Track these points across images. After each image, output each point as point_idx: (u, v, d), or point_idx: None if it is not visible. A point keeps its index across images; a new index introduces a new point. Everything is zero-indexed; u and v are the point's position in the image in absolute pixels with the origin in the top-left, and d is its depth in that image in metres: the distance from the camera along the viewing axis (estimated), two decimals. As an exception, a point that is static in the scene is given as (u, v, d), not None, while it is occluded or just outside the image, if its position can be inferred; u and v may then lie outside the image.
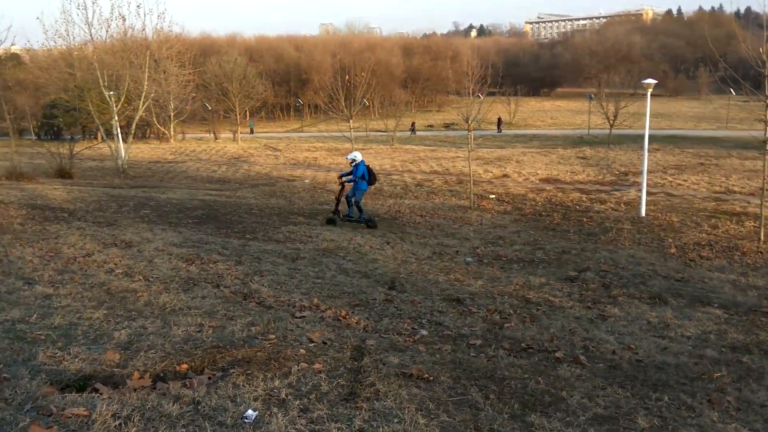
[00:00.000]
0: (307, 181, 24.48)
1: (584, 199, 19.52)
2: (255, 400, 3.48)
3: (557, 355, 5.52)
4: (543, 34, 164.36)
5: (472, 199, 18.84)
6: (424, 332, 6.12)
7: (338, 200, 14.46)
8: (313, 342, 5.00)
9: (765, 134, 12.94)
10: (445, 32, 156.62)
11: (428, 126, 61.22)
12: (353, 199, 14.27)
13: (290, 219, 14.55)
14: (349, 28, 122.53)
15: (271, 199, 18.82)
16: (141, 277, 7.23)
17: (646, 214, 16.39)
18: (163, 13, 66.26)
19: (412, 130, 52.67)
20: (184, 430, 2.93)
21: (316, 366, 4.23)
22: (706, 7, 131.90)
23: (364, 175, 14.21)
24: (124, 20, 30.72)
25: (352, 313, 6.61)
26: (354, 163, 14.21)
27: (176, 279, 7.32)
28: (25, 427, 2.61)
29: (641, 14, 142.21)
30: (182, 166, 31.32)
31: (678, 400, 4.49)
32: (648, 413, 4.13)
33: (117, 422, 2.88)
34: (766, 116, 12.77)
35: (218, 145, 43.90)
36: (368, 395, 3.80)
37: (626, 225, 15.24)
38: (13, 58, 65.38)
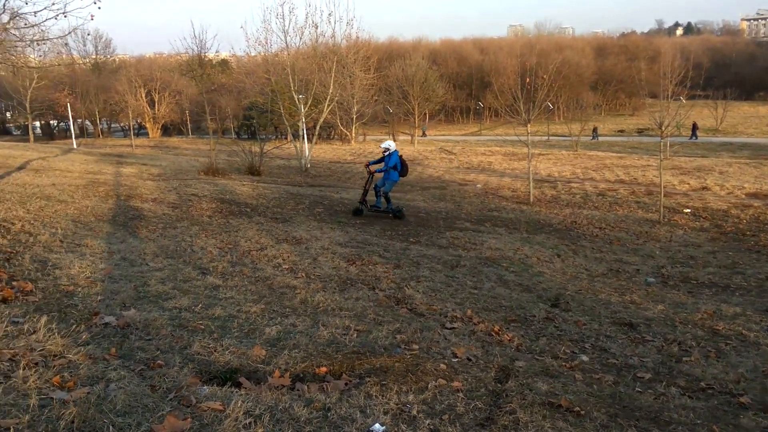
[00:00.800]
0: (479, 185, 24.27)
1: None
2: (385, 413, 3.42)
3: (742, 400, 4.84)
4: (762, 32, 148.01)
5: (662, 213, 17.42)
6: (585, 358, 5.70)
7: (366, 190, 14.35)
8: (457, 357, 4.86)
9: None
10: (646, 31, 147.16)
11: (619, 131, 57.98)
12: (382, 189, 14.08)
13: (456, 224, 14.49)
14: (537, 29, 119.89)
15: (440, 203, 18.91)
16: (303, 275, 7.57)
17: None
18: (352, 20, 69.22)
19: (594, 135, 50.11)
20: (310, 436, 2.95)
21: (455, 384, 4.08)
22: None
23: (396, 166, 14.13)
24: (317, 28, 32.77)
25: (507, 329, 6.36)
26: (387, 153, 14.01)
27: (335, 278, 7.56)
28: (163, 416, 2.78)
29: None
30: (360, 167, 32.60)
31: None
32: None
33: (248, 420, 2.98)
34: None
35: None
36: (506, 423, 3.58)
37: None
38: (223, 64, 72.81)
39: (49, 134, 69.00)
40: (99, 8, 9.70)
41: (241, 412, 3.00)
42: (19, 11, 9.71)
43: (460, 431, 3.36)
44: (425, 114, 63.73)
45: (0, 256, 5.73)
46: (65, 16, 9.53)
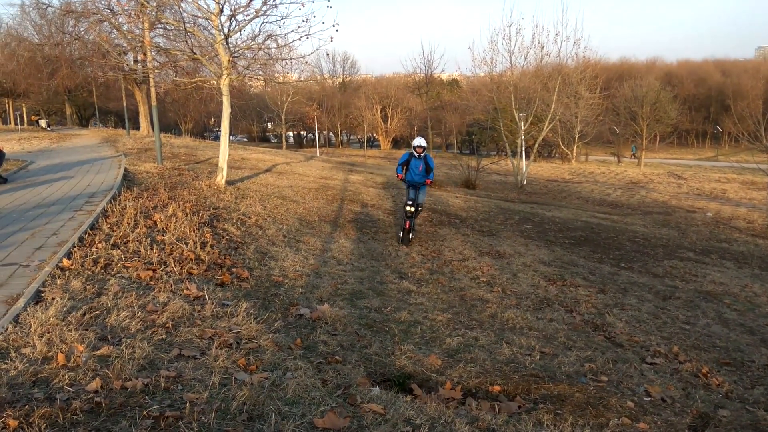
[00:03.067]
0: (709, 214, 21.72)
1: None
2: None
3: None
4: None
5: None
6: (813, 419, 4.72)
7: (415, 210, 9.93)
8: (650, 396, 4.30)
9: None
10: None
11: None
12: (417, 204, 10.02)
13: (677, 253, 13.06)
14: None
15: (662, 229, 17.23)
16: (499, 289, 7.35)
17: None
18: (580, 40, 66.55)
19: None
20: (462, 456, 2.78)
21: (641, 425, 3.60)
22: None
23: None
24: (542, 48, 32.01)
25: (717, 372, 5.52)
26: (425, 153, 10.15)
27: (531, 296, 7.22)
28: (325, 411, 2.80)
29: None
30: (577, 186, 31.12)
31: None
32: None
33: (406, 429, 2.89)
34: None
35: (619, 169, 42.37)
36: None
37: None
38: (452, 83, 74.73)
39: (299, 143, 76.57)
40: (337, 31, 10.44)
41: (401, 420, 2.92)
42: (272, 33, 10.81)
43: (637, 480, 2.94)
44: (655, 136, 59.01)
45: (231, 245, 6.35)
46: (308, 38, 10.41)
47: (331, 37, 11.14)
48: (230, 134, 13.98)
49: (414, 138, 10.96)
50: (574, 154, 49.34)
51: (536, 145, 34.07)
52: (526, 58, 31.64)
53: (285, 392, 2.88)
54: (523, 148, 31.37)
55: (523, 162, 30.63)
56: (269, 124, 76.78)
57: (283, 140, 64.78)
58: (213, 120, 63.90)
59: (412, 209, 9.75)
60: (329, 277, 5.91)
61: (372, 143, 71.73)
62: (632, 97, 50.84)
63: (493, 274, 8.16)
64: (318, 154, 44.25)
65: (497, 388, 3.79)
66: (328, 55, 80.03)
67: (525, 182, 28.64)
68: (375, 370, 3.68)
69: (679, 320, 7.24)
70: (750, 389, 5.23)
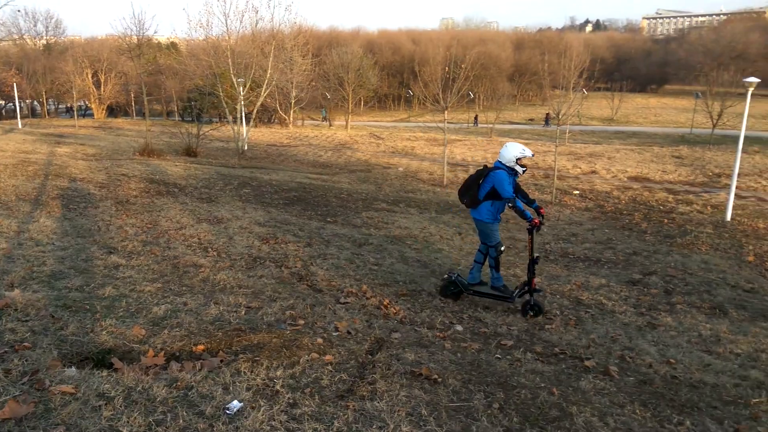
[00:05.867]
0: (401, 169, 24.33)
1: (670, 199, 18.01)
2: (248, 389, 3.36)
3: (587, 363, 5.04)
4: (659, 30, 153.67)
5: (554, 194, 17.94)
6: (459, 328, 5.81)
7: (531, 260, 6.68)
8: (338, 331, 4.85)
9: None
10: (560, 27, 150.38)
11: (529, 120, 59.18)
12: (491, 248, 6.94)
13: (373, 205, 14.47)
14: (466, 23, 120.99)
15: (363, 185, 18.84)
16: (215, 253, 7.39)
17: (731, 219, 14.85)
18: (290, 6, 68.07)
19: (475, 122, 50.50)
20: (160, 416, 2.86)
21: (327, 357, 4.07)
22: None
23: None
24: (257, 12, 31.74)
25: (396, 302, 6.40)
26: (515, 164, 6.61)
27: (245, 257, 7.41)
28: (5, 401, 2.63)
29: (764, 12, 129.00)
30: (294, 150, 32.13)
31: (701, 426, 3.94)
32: (660, 440, 3.64)
33: (98, 403, 2.85)
34: None
35: (330, 132, 44.70)
36: (364, 393, 3.59)
37: (708, 229, 13.87)
38: (171, 47, 69.75)
39: (-6, 114, 64.87)
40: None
41: (94, 395, 2.87)
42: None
43: (318, 403, 3.35)
44: (360, 100, 63.33)
45: None
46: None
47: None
48: None
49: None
50: (291, 119, 50.54)
51: (255, 111, 34.07)
52: (241, 21, 31.27)
53: (-41, 391, 2.62)
54: (243, 114, 31.17)
55: (244, 128, 30.49)
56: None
57: (-27, 110, 54.26)
58: None
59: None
60: (23, 260, 5.33)
61: (84, 112, 64.11)
62: (339, 64, 53.53)
63: (209, 240, 8.15)
64: (20, 126, 38.21)
65: (201, 347, 3.91)
66: (20, 11, 68.38)
67: (246, 148, 28.59)
68: (71, 351, 3.50)
69: (369, 263, 8.13)
70: (419, 313, 6.18)
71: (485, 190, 6.68)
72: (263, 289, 5.93)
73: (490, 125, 42.35)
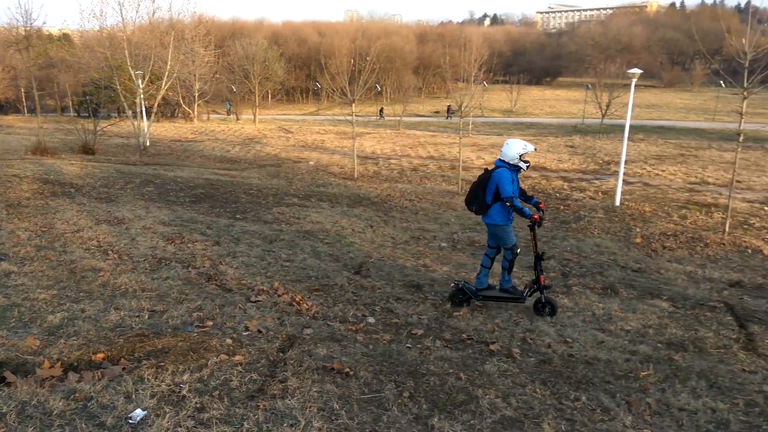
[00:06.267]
0: (311, 162, 24.15)
1: (565, 187, 19.03)
2: (152, 397, 3.23)
3: (492, 347, 5.25)
4: (552, 24, 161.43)
5: (460, 185, 18.45)
6: (371, 320, 5.87)
7: (537, 257, 6.63)
8: (249, 330, 4.76)
9: (740, 126, 12.41)
10: (460, 20, 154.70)
11: (435, 112, 60.42)
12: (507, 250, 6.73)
13: (284, 200, 14.29)
14: (370, 15, 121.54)
15: (273, 180, 18.54)
16: (115, 256, 7.03)
17: (620, 203, 15.92)
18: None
19: (380, 115, 51.01)
20: (57, 430, 2.69)
21: (237, 358, 3.98)
22: (709, 0, 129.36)
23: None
24: (153, 1, 30.30)
25: (309, 298, 6.37)
26: (518, 161, 6.45)
27: (149, 258, 7.10)
28: None
29: (646, 6, 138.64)
30: (200, 145, 31.05)
31: (595, 401, 4.20)
32: (558, 416, 3.85)
33: (-11, 421, 2.65)
34: (742, 108, 12.22)
35: (237, 126, 43.57)
36: (275, 392, 3.55)
37: (599, 214, 14.81)
38: (65, 38, 65.01)
39: None
40: None
41: (-19, 414, 2.67)
42: None
43: (227, 405, 3.28)
44: (267, 93, 62.08)
45: None
46: None
47: None
48: None
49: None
50: (196, 112, 48.77)
51: (156, 105, 32.57)
52: (137, 11, 29.73)
53: None
54: (144, 109, 29.70)
55: (145, 123, 29.06)
56: None
57: None
58: None
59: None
60: None
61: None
62: (244, 56, 52.08)
63: (109, 242, 7.74)
64: None
65: (101, 355, 3.71)
66: None
67: (148, 144, 27.31)
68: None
69: (281, 259, 8.02)
70: (332, 307, 6.18)
71: (491, 192, 6.50)
72: (169, 291, 5.71)
73: (398, 118, 42.84)
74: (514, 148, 6.45)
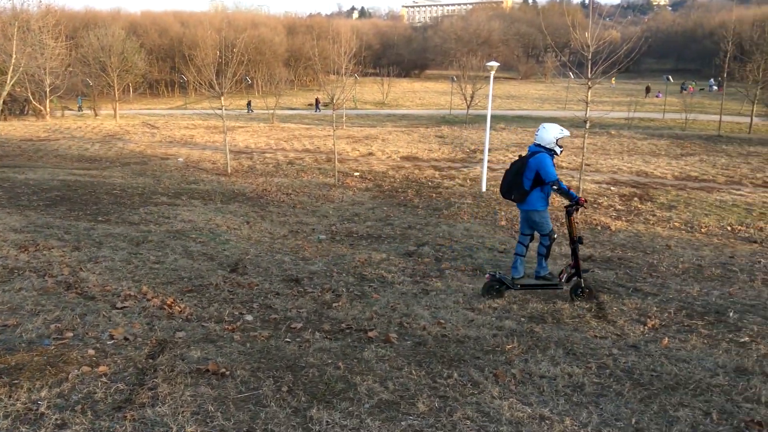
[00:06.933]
0: (181, 159, 23.08)
1: (437, 175, 19.81)
2: (6, 417, 2.96)
3: (371, 334, 5.35)
4: (417, 18, 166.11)
5: (336, 177, 18.56)
6: (249, 318, 5.75)
7: (574, 241, 6.73)
8: (114, 339, 4.48)
9: (586, 114, 13.55)
10: (329, 13, 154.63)
11: (309, 105, 60.07)
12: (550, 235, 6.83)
13: (152, 199, 13.55)
14: (236, 5, 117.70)
15: (138, 179, 17.50)
16: (-44, 270, 6.30)
17: (486, 189, 16.86)
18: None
19: (249, 108, 49.68)
20: None
21: (101, 369, 3.74)
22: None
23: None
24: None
25: (181, 300, 6.11)
26: (555, 145, 6.59)
27: (-2, 270, 6.44)
28: None
29: (502, 2, 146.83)
30: (54, 144, 28.47)
31: (466, 377, 4.43)
32: (432, 394, 4.02)
33: None
34: (587, 97, 13.35)
35: (96, 122, 40.50)
36: (144, 401, 3.39)
37: (468, 200, 15.58)
38: None
39: None
40: None
41: None
42: None
43: (91, 419, 3.08)
44: (128, 86, 58.22)
45: None
46: None
47: None
48: None
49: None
50: (48, 109, 44.66)
51: (2, 101, 29.43)
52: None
53: None
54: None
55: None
56: None
57: None
58: None
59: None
60: None
61: None
62: (99, 47, 48.38)
63: (-53, 256, 6.91)
64: None
65: (-60, 381, 3.33)
66: None
67: (-8, 143, 24.65)
68: None
69: (150, 261, 7.62)
70: (207, 308, 5.98)
71: (530, 178, 6.43)
72: (22, 303, 5.23)
73: (271, 111, 42.07)
74: (552, 132, 6.49)
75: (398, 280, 7.77)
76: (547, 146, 6.53)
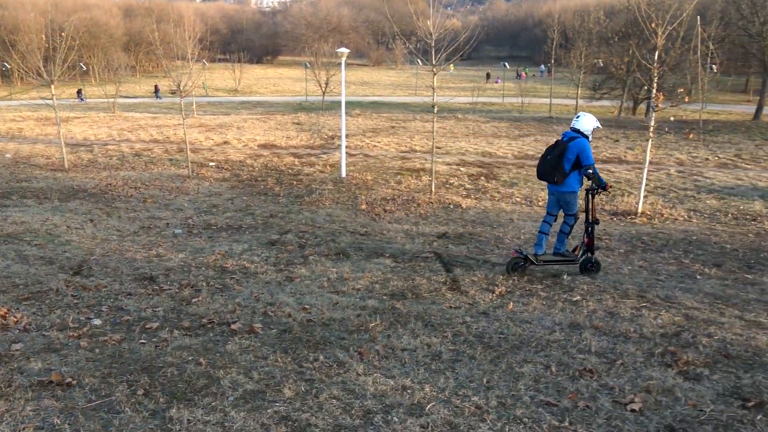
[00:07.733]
0: (8, 155, 20.66)
1: (296, 162, 19.63)
2: None
3: (234, 327, 5.21)
4: (266, 2, 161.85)
5: (190, 168, 17.70)
6: (97, 322, 5.34)
7: (591, 222, 7.21)
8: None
9: (433, 99, 14.14)
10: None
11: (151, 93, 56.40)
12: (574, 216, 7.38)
13: (-27, 201, 12.03)
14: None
15: (-45, 179, 15.43)
16: None
17: (346, 174, 17.04)
18: None
19: (80, 97, 46.31)
20: None
21: None
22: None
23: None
24: None
25: (17, 309, 5.52)
26: (590, 133, 7.14)
27: None
28: None
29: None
30: None
31: (332, 358, 4.49)
32: (298, 378, 4.03)
33: None
34: (433, 83, 13.92)
35: None
36: (-24, 425, 3.04)
37: (329, 186, 15.66)
38: None
39: None
40: None
41: None
42: None
43: None
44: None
45: None
46: None
47: None
48: None
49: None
50: None
51: None
52: None
53: None
54: None
55: None
56: None
57: None
58: None
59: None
60: None
61: None
62: None
63: None
64: None
65: None
66: None
67: None
68: None
69: (-25, 271, 6.78)
70: (48, 315, 5.46)
71: (570, 162, 6.91)
72: None
73: (111, 99, 38.94)
74: (591, 122, 7.10)
75: (261, 270, 7.63)
76: (585, 133, 7.09)
